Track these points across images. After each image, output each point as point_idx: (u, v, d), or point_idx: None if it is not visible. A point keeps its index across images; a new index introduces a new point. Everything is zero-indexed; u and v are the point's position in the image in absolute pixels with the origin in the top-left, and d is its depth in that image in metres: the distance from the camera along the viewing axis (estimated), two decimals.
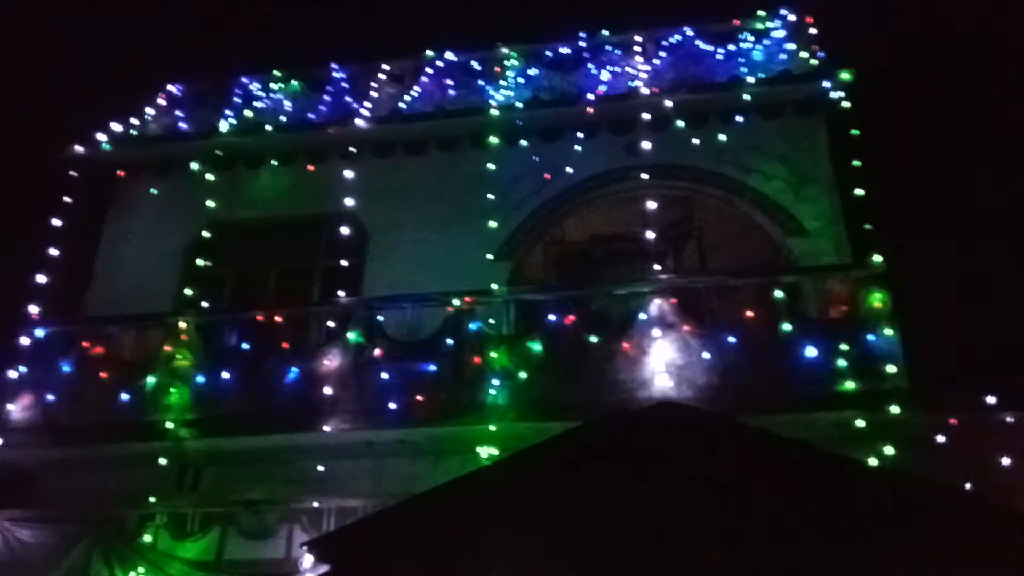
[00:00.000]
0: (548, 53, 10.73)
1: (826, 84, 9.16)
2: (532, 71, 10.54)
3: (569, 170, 9.47)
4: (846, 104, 9.03)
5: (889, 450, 6.67)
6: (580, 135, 9.63)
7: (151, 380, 8.06)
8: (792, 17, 10.36)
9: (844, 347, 7.09)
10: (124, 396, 7.99)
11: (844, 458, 5.17)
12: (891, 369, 6.99)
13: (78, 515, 7.55)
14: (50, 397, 8.11)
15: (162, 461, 7.82)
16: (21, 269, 9.37)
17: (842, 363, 7.04)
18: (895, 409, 6.75)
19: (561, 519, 4.47)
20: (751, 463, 4.65)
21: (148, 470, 7.82)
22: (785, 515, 4.30)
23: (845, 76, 9.05)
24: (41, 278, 9.07)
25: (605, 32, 10.78)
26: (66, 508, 7.66)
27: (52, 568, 7.27)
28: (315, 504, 7.56)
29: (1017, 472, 6.38)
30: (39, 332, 8.57)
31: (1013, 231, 10.60)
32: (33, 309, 8.74)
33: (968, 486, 6.00)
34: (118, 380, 8.13)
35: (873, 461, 6.44)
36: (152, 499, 7.74)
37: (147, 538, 7.62)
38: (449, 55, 10.89)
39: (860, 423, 6.85)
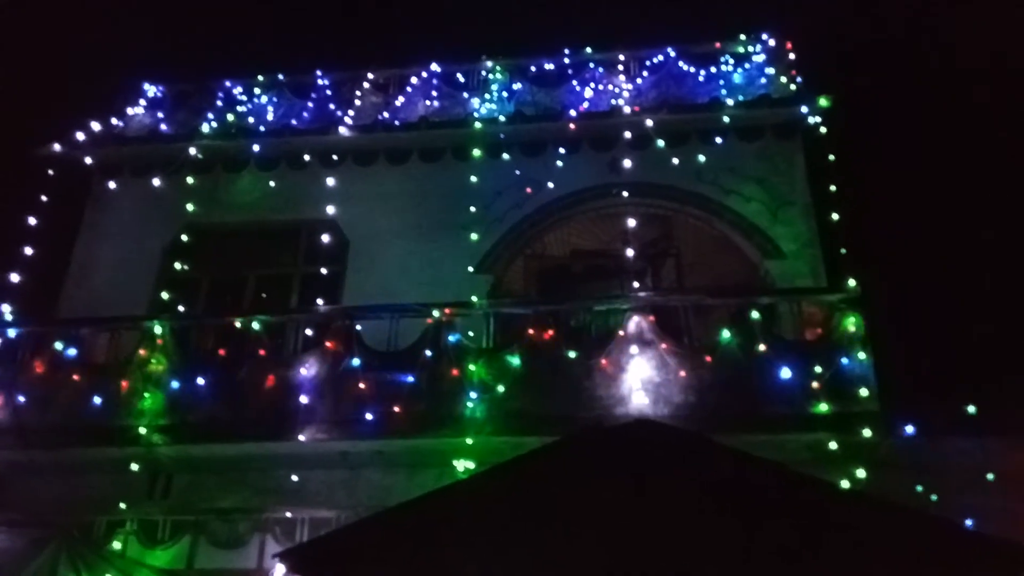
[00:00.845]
0: (532, 68, 10.81)
1: (804, 109, 9.35)
2: (516, 85, 10.62)
3: (550, 185, 9.56)
4: (823, 129, 9.21)
5: (861, 473, 6.76)
6: (562, 151, 9.73)
7: (124, 384, 7.95)
8: (772, 42, 10.54)
9: (818, 369, 7.19)
10: (96, 399, 7.87)
11: (816, 480, 5.23)
12: (864, 392, 7.09)
13: (46, 520, 7.44)
14: (20, 398, 7.96)
15: (133, 467, 7.71)
16: None
17: (815, 385, 7.14)
18: (867, 432, 6.85)
19: (537, 534, 4.48)
20: (725, 483, 4.70)
21: (119, 475, 7.71)
22: (757, 536, 4.35)
23: (823, 102, 9.24)
24: (14, 277, 8.96)
25: (589, 50, 10.88)
26: (34, 512, 7.54)
27: (19, 573, 7.16)
28: (288, 514, 7.54)
29: (988, 496, 6.49)
30: (11, 332, 8.44)
31: (987, 256, 10.84)
32: (5, 308, 8.61)
33: (938, 509, 6.11)
34: (90, 383, 8.00)
35: (845, 483, 6.54)
36: (122, 505, 7.65)
37: (116, 545, 7.53)
38: (434, 66, 10.93)
39: (833, 445, 6.94)
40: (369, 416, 7.47)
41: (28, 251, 9.25)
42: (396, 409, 7.47)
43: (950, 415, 6.90)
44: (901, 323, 9.29)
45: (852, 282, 7.54)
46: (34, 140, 10.25)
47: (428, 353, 7.69)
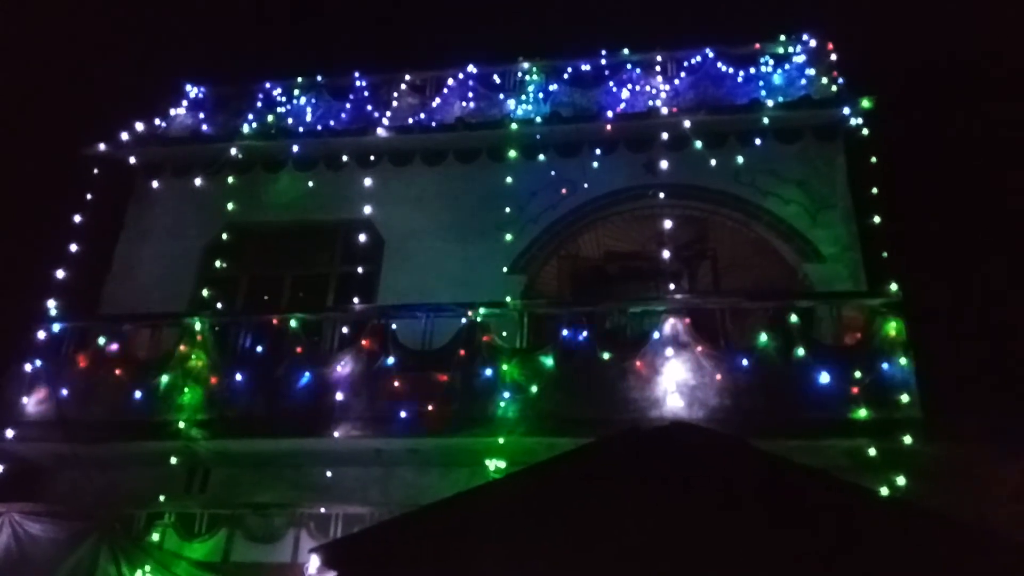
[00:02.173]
0: (569, 69, 10.75)
1: (845, 111, 9.19)
2: (552, 86, 10.58)
3: (586, 186, 9.52)
4: (865, 131, 9.05)
5: (901, 480, 6.65)
6: (598, 152, 9.68)
7: (164, 379, 8.10)
8: (813, 43, 10.37)
9: (858, 374, 7.08)
10: (137, 394, 8.03)
11: (856, 486, 5.15)
12: (904, 398, 6.97)
13: (87, 512, 7.60)
14: (64, 392, 8.15)
15: (172, 461, 7.87)
16: (40, 264, 9.47)
17: (855, 390, 7.03)
18: (908, 439, 6.73)
19: (571, 537, 4.47)
20: (764, 488, 4.65)
21: (158, 469, 7.88)
22: (796, 542, 4.29)
23: (865, 103, 9.08)
24: (59, 274, 9.16)
25: (626, 51, 10.82)
26: (76, 504, 7.72)
27: (60, 563, 7.31)
28: (322, 510, 7.61)
29: None
30: (55, 327, 8.64)
31: None
32: (50, 304, 8.81)
33: (980, 518, 5.97)
34: (132, 378, 8.17)
35: (885, 490, 6.43)
36: (161, 498, 7.80)
37: (155, 537, 7.67)
38: (471, 68, 10.95)
39: (872, 451, 6.83)
40: (403, 414, 7.52)
41: (73, 248, 9.45)
42: (430, 408, 7.51)
43: (994, 423, 6.74)
44: (944, 328, 9.11)
45: (894, 286, 7.41)
46: (80, 140, 10.48)
47: (462, 353, 7.71)
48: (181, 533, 7.70)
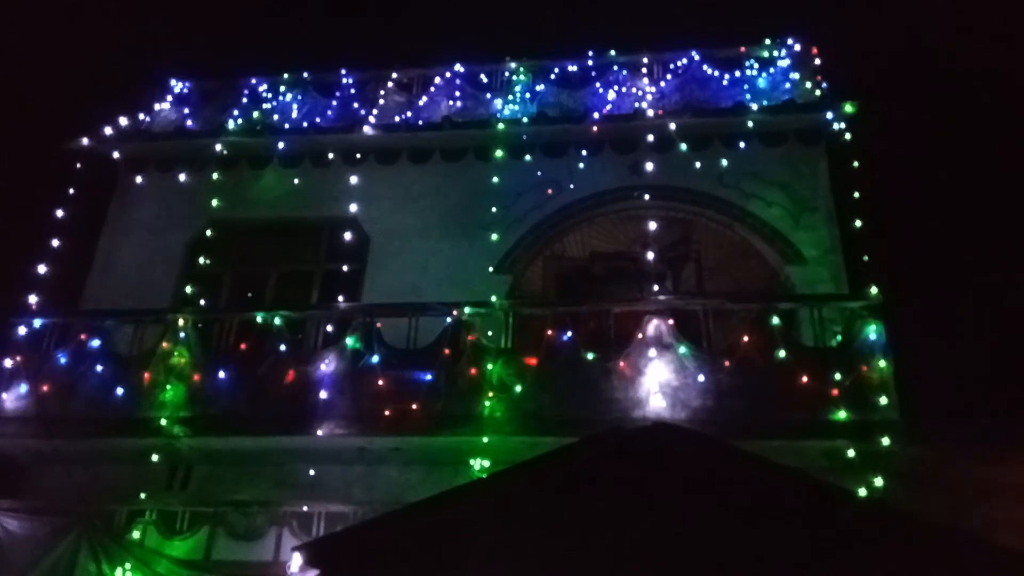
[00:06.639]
0: (556, 70, 10.79)
1: (829, 115, 9.27)
2: (539, 87, 10.60)
3: (572, 187, 9.56)
4: (848, 136, 9.14)
5: (879, 481, 6.74)
6: (584, 152, 9.72)
7: (146, 376, 8.04)
8: (797, 47, 10.46)
9: (837, 376, 7.15)
10: (119, 391, 7.97)
11: (834, 487, 5.22)
12: (883, 401, 7.06)
13: (67, 508, 7.55)
14: (44, 388, 8.08)
15: (154, 458, 7.82)
16: (21, 259, 9.39)
17: (835, 392, 7.10)
18: (886, 441, 6.82)
19: (553, 536, 4.50)
20: (744, 488, 4.70)
21: (139, 466, 7.83)
22: (774, 542, 4.34)
23: (848, 108, 9.17)
24: (41, 268, 9.07)
25: (613, 52, 10.86)
26: (56, 500, 7.67)
27: (39, 560, 7.27)
28: (305, 508, 7.61)
29: (1004, 508, 6.44)
30: (36, 322, 8.57)
31: (1011, 266, 10.73)
32: (31, 299, 8.75)
33: (956, 520, 6.06)
34: (113, 374, 8.12)
35: (863, 491, 6.51)
36: (142, 495, 7.77)
37: (136, 534, 7.63)
38: (458, 67, 10.95)
39: (851, 453, 6.91)
40: (387, 413, 7.52)
41: (55, 243, 9.37)
42: (414, 407, 7.50)
43: (971, 425, 6.84)
44: (923, 332, 9.22)
45: (874, 289, 7.50)
46: (63, 134, 10.38)
47: (447, 352, 7.71)
48: (162, 530, 7.67)
